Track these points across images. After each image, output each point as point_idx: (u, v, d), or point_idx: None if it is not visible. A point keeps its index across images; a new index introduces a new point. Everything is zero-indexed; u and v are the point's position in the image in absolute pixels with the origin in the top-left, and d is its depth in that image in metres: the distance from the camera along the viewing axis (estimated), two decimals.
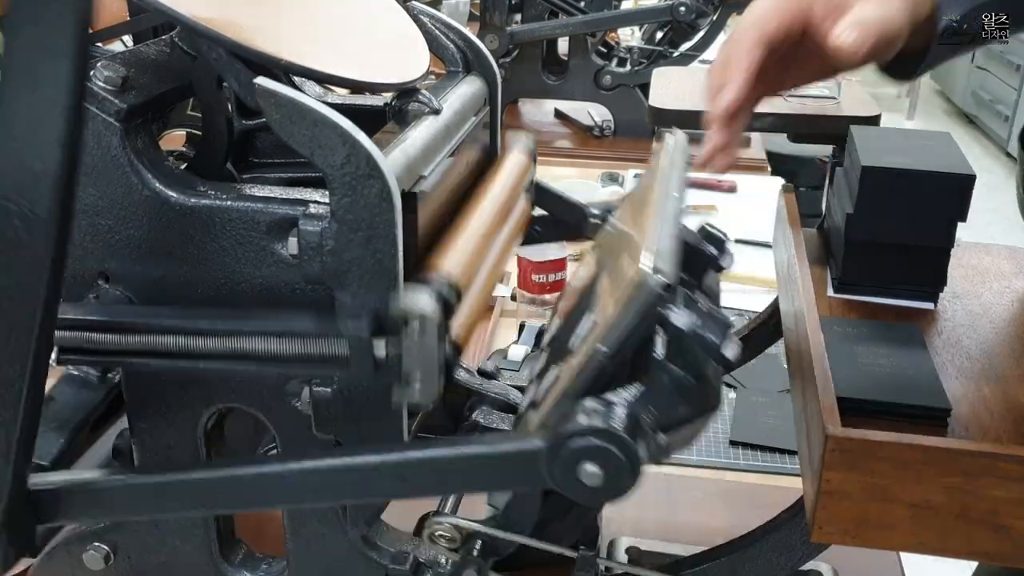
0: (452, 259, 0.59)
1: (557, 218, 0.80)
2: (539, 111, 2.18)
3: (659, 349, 0.52)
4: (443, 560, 0.66)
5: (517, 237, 0.75)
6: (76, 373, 0.63)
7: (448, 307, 0.55)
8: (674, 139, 0.72)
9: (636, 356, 0.53)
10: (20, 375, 0.50)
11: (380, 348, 0.55)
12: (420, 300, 0.53)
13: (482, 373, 0.81)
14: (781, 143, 0.92)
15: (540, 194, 0.79)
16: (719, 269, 0.66)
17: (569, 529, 0.67)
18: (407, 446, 0.58)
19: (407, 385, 0.55)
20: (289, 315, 0.58)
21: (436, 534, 0.63)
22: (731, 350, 0.52)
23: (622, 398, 0.51)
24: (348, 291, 0.56)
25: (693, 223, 0.66)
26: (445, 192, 0.66)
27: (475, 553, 0.64)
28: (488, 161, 0.77)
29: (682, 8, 1.85)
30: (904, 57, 0.63)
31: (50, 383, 0.58)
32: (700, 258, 0.66)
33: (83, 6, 0.43)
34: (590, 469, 0.50)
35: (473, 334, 0.61)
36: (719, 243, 0.67)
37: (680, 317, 0.52)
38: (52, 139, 0.45)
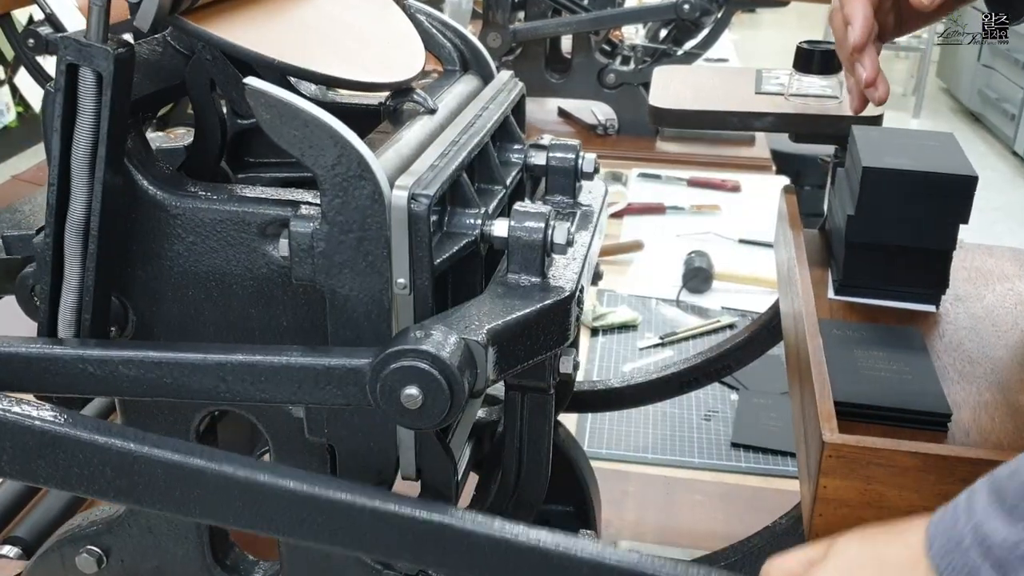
0: None
1: None
2: (542, 109, 2.17)
3: (504, 264, 0.56)
4: None
5: None
6: None
7: None
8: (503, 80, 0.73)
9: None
10: None
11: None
12: None
13: None
14: (786, 142, 0.91)
15: None
16: (588, 177, 0.69)
17: None
18: (232, 348, 0.56)
19: None
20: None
21: None
22: (559, 235, 0.55)
23: (451, 324, 0.52)
24: (339, 293, 0.55)
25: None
26: None
27: None
28: None
29: (686, 6, 1.84)
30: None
31: None
32: (567, 174, 0.68)
33: None
34: (410, 391, 0.50)
35: None
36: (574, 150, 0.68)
37: (499, 227, 0.56)
38: None
